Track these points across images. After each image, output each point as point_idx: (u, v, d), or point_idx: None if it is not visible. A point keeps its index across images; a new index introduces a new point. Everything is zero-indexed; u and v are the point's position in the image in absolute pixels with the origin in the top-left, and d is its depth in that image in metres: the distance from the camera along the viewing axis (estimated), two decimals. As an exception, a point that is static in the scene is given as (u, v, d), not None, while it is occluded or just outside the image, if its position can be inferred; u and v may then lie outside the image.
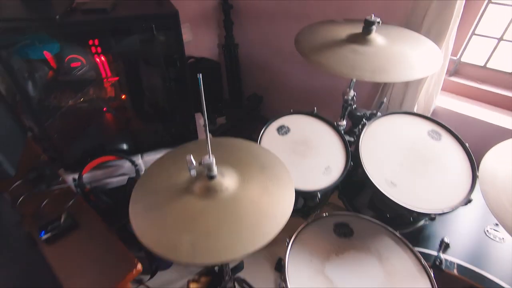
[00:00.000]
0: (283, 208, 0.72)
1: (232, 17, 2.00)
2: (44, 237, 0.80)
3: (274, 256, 1.61)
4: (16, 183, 0.96)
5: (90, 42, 1.16)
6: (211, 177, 0.72)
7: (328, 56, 0.94)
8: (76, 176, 1.27)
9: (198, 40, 2.03)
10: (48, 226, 0.82)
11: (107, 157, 1.33)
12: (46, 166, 1.00)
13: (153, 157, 1.46)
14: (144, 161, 1.45)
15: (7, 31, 0.96)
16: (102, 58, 1.23)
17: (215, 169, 0.72)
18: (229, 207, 0.71)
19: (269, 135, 1.12)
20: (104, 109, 1.37)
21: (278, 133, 1.13)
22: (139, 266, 0.75)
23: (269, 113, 1.12)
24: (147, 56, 1.30)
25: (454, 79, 1.50)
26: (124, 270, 0.74)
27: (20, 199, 0.91)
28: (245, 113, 2.22)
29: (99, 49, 1.18)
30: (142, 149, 1.47)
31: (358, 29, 1.02)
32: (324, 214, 1.02)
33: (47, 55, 1.13)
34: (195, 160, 0.69)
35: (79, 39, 1.14)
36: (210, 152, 0.70)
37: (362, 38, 0.99)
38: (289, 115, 1.19)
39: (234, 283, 1.16)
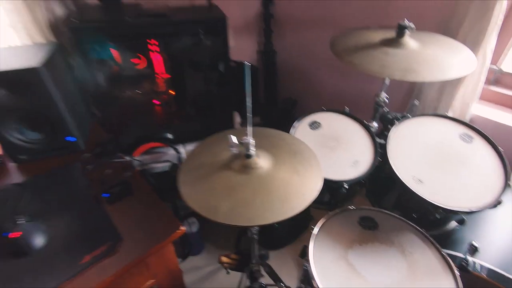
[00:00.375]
0: (310, 188, 0.80)
1: (272, 26, 2.13)
2: (107, 198, 0.97)
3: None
4: (85, 155, 1.16)
5: (149, 41, 1.34)
6: (249, 156, 0.82)
7: (361, 57, 1.00)
8: (128, 158, 1.45)
9: (239, 47, 2.16)
10: (110, 189, 0.99)
11: (155, 143, 1.51)
12: (108, 144, 1.18)
13: (194, 147, 1.61)
14: (185, 150, 1.60)
15: (90, 30, 1.18)
16: (158, 56, 1.41)
17: (252, 148, 0.82)
18: (263, 183, 0.79)
19: (301, 129, 1.20)
20: (156, 101, 1.55)
21: (310, 127, 1.20)
22: (182, 228, 0.87)
23: (303, 116, 1.21)
24: (196, 58, 1.47)
25: (494, 88, 1.47)
26: (170, 229, 0.87)
27: (88, 168, 1.09)
28: (279, 114, 2.32)
29: (156, 48, 1.36)
30: (184, 140, 1.63)
31: (392, 35, 1.05)
32: (351, 207, 1.05)
33: (114, 52, 1.33)
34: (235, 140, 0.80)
35: (142, 38, 1.32)
36: (250, 132, 0.81)
37: (395, 41, 1.03)
38: (321, 112, 1.26)
39: (259, 266, 1.24)
